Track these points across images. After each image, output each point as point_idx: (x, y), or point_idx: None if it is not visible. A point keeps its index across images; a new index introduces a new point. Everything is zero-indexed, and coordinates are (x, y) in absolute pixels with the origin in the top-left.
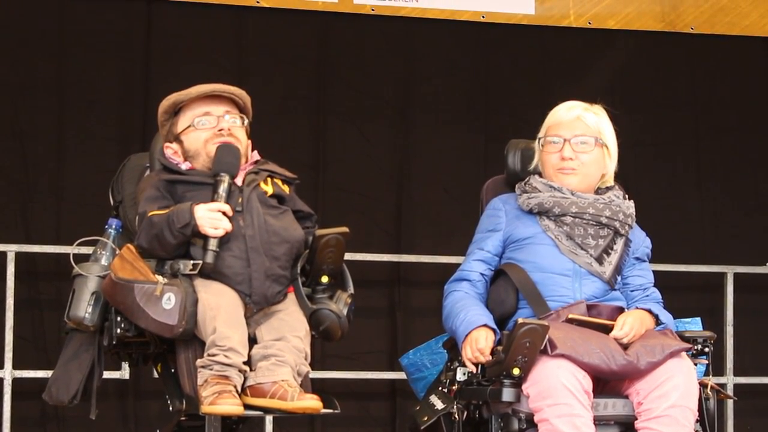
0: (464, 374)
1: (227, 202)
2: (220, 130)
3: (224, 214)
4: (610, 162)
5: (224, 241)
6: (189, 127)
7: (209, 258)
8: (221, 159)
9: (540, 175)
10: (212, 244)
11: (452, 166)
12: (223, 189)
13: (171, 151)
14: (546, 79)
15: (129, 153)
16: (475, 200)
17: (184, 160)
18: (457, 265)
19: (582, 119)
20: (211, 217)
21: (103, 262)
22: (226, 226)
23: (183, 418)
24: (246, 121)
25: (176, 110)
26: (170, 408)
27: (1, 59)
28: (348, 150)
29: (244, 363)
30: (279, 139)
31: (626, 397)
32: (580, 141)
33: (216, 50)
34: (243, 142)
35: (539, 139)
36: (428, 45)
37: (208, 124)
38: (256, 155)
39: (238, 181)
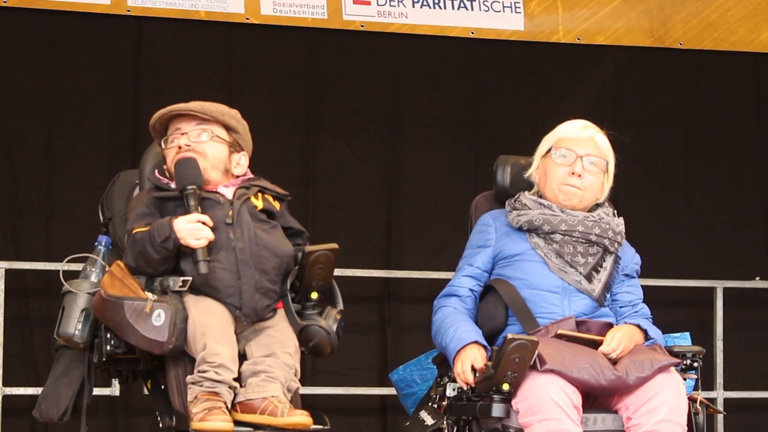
0: (454, 390)
1: (205, 211)
2: (180, 147)
3: (204, 224)
4: (607, 187)
5: (213, 252)
6: (163, 147)
7: (203, 269)
8: (180, 174)
9: (530, 190)
10: (200, 255)
11: (442, 182)
12: (194, 200)
13: (165, 168)
14: (535, 94)
15: (119, 170)
16: (465, 216)
17: (171, 177)
18: (446, 281)
19: (595, 140)
20: (192, 229)
21: (93, 279)
22: (207, 235)
23: None
24: (216, 134)
25: (162, 130)
26: (160, 425)
27: None
28: (338, 166)
29: (234, 379)
30: (268, 155)
31: (615, 412)
32: (591, 161)
33: (206, 67)
34: (210, 154)
35: (546, 150)
36: (418, 61)
37: (175, 143)
38: (245, 169)
39: (229, 194)
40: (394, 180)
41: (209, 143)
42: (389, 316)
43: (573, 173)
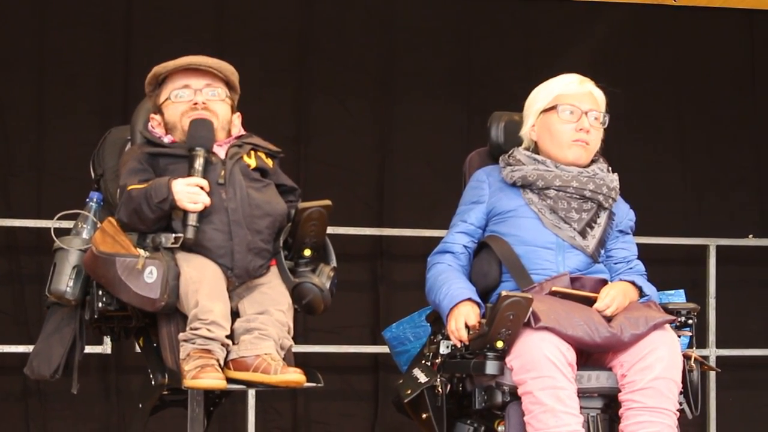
0: (447, 347)
1: (205, 176)
2: (195, 104)
3: (202, 188)
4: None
5: (204, 215)
6: (167, 99)
7: (190, 233)
8: (194, 133)
9: (520, 144)
10: (192, 219)
11: (435, 139)
12: (198, 164)
13: (155, 122)
14: (529, 52)
15: (110, 126)
16: (458, 173)
17: (165, 132)
18: (439, 239)
19: (593, 95)
20: (189, 192)
21: (85, 235)
22: (204, 200)
23: (165, 392)
24: (226, 94)
25: (160, 81)
26: (152, 382)
27: None
28: (330, 123)
29: (227, 336)
30: (261, 112)
31: (610, 369)
32: (593, 116)
33: (197, 23)
34: (221, 115)
35: (545, 107)
36: (411, 18)
37: (185, 97)
38: (240, 129)
39: (221, 153)
40: (386, 137)
41: (220, 103)
42: (382, 274)
43: (581, 129)
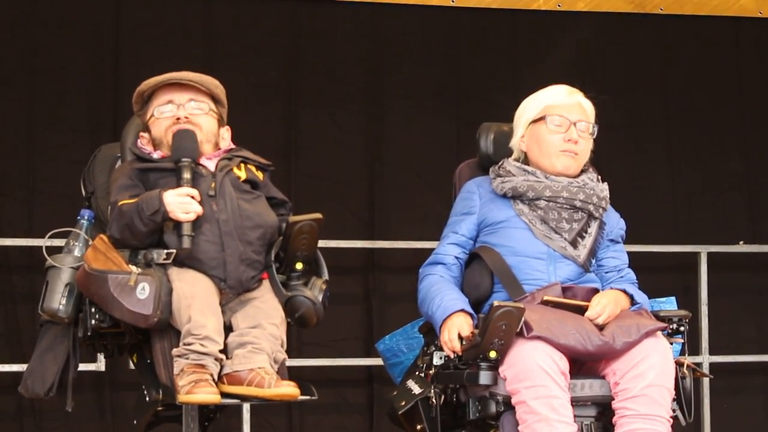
0: (441, 358)
1: (195, 187)
2: (178, 118)
3: (193, 198)
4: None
5: (196, 226)
6: (152, 116)
7: (186, 243)
8: (178, 145)
9: (510, 155)
10: (186, 229)
11: (424, 152)
12: (186, 173)
13: (145, 140)
14: (516, 62)
15: (100, 144)
16: (448, 185)
17: (154, 149)
18: (431, 250)
19: (582, 106)
20: (181, 202)
21: (76, 253)
22: (196, 209)
23: (160, 408)
24: (210, 108)
25: (146, 99)
26: (147, 398)
27: None
28: (319, 137)
29: (220, 351)
30: (250, 127)
31: (603, 377)
32: (582, 127)
33: (186, 39)
34: (205, 128)
35: (534, 118)
36: (398, 31)
37: (168, 113)
38: (229, 143)
39: (211, 166)
40: (376, 150)
41: (204, 116)
42: (374, 286)
43: (569, 140)
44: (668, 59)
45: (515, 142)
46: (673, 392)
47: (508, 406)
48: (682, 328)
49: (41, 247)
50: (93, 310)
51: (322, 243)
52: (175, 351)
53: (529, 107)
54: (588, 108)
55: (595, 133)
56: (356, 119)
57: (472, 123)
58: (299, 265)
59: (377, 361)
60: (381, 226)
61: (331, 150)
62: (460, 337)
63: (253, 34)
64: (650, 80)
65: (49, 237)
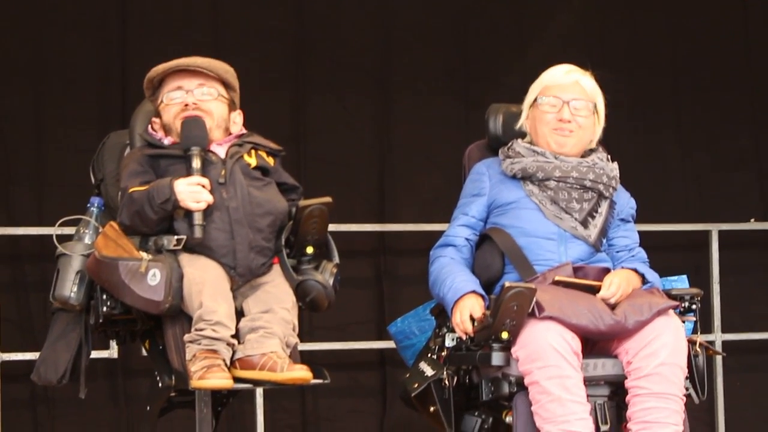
0: (453, 340)
1: (205, 175)
2: (186, 105)
3: (203, 187)
4: (599, 129)
5: (207, 213)
6: (162, 102)
7: (198, 233)
8: (187, 133)
9: (523, 137)
10: (198, 218)
11: (433, 134)
12: (196, 163)
13: (156, 125)
14: (524, 43)
15: (108, 132)
16: (458, 167)
17: (165, 134)
18: (441, 233)
19: (580, 84)
20: (192, 191)
21: (87, 240)
22: (207, 198)
23: (173, 394)
24: (220, 93)
25: (157, 85)
26: (160, 384)
27: None
28: (328, 121)
29: (232, 336)
30: (259, 113)
31: (615, 356)
32: (578, 105)
33: (193, 26)
34: (215, 113)
35: (534, 99)
36: (406, 14)
37: (177, 99)
38: (240, 128)
39: (222, 153)
40: (384, 133)
41: (214, 102)
42: (385, 269)
43: (561, 119)
44: (676, 36)
45: (520, 124)
46: (686, 370)
47: (521, 386)
48: (694, 306)
49: (52, 235)
50: (104, 297)
51: (332, 227)
52: (186, 337)
53: (532, 89)
54: (588, 86)
55: (599, 111)
56: (364, 103)
57: (480, 104)
58: (310, 249)
59: (389, 344)
60: (391, 210)
61: (340, 134)
62: (472, 319)
63: (261, 20)
64: (659, 58)
65: (60, 225)
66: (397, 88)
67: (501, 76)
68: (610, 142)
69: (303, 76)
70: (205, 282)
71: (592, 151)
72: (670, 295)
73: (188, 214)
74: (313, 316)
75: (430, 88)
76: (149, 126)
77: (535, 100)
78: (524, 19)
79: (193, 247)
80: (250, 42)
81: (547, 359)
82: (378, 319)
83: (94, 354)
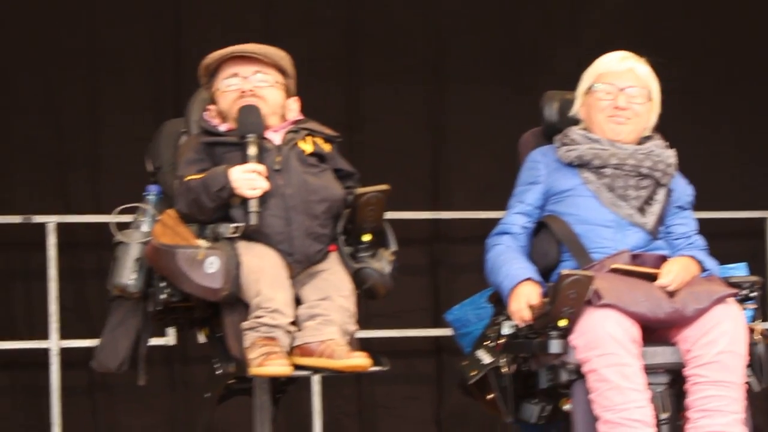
0: (510, 328)
1: (261, 161)
2: (243, 91)
3: (259, 174)
4: (654, 116)
5: (262, 200)
6: (218, 89)
7: (253, 220)
8: (243, 120)
9: (578, 125)
10: (253, 206)
11: (487, 121)
12: (252, 150)
13: (213, 112)
14: (578, 30)
15: (162, 120)
16: (512, 154)
17: (221, 121)
18: (496, 220)
19: (635, 71)
20: (247, 179)
21: (144, 228)
22: (263, 185)
23: (231, 381)
24: (276, 80)
25: (213, 72)
26: (219, 372)
27: (29, 32)
28: (382, 109)
29: (291, 323)
30: (312, 100)
31: (674, 344)
32: (633, 92)
33: (245, 12)
34: (271, 100)
35: (588, 87)
36: (457, 1)
37: (234, 86)
38: (296, 114)
39: (277, 139)
40: (438, 120)
41: (270, 89)
42: (440, 257)
43: (617, 107)
44: (730, 21)
45: (574, 112)
46: (746, 358)
47: (579, 374)
48: (753, 294)
49: (108, 223)
50: (162, 284)
51: (387, 214)
52: (245, 324)
53: (585, 77)
54: (642, 73)
55: (654, 98)
56: (418, 90)
57: (533, 92)
58: (367, 237)
59: (445, 332)
60: (446, 197)
61: (394, 121)
62: (529, 306)
63: (313, 7)
64: (712, 43)
65: (117, 212)
66: (450, 76)
67: (554, 63)
68: (665, 128)
69: (355, 63)
70: (263, 270)
71: (648, 138)
72: (728, 282)
73: (244, 201)
74: (369, 304)
75: (484, 75)
76: (205, 113)
77: (590, 87)
78: (576, 3)
79: (250, 235)
80: (301, 29)
81: (606, 347)
82: (433, 306)
83: (152, 341)
